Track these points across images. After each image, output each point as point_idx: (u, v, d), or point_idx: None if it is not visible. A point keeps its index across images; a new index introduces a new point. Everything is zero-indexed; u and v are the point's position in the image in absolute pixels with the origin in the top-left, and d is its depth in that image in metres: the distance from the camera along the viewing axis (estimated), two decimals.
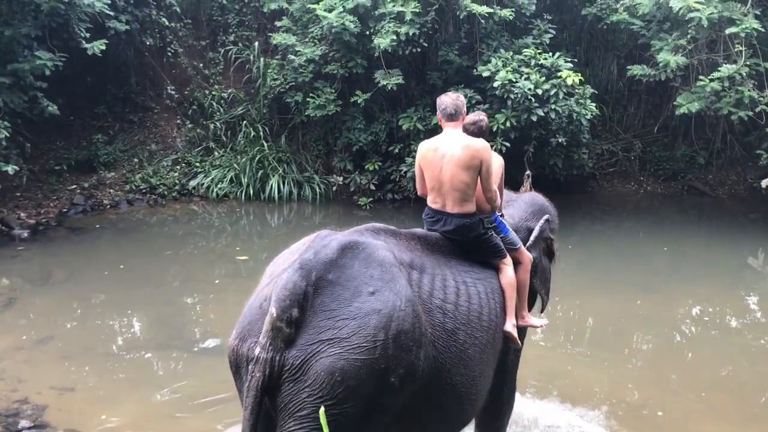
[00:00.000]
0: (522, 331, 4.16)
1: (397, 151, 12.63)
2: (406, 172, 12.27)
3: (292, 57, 12.56)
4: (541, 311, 4.83)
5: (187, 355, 6.61)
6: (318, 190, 12.97)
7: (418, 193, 4.18)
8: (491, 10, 11.49)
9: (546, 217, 4.60)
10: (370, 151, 12.89)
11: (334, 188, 13.11)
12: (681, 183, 14.43)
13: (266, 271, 3.43)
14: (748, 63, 11.46)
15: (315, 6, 12.11)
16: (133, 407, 5.55)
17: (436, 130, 11.92)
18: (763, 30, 11.48)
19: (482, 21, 11.71)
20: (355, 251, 3.21)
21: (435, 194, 3.94)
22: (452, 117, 3.95)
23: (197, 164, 13.12)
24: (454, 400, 3.42)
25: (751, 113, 11.49)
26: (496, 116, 11.35)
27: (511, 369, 4.26)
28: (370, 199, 12.75)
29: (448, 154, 3.84)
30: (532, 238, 4.44)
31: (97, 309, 7.95)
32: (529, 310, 4.33)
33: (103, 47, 10.94)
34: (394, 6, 11.62)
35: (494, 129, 11.12)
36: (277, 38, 12.67)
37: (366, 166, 12.81)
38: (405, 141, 12.60)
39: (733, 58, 11.64)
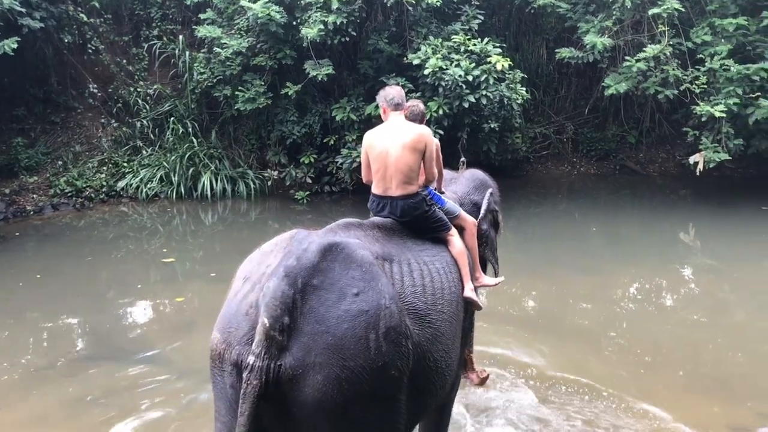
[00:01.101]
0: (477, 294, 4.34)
1: (332, 142, 12.46)
2: (342, 164, 12.11)
3: (219, 50, 12.23)
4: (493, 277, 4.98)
5: (116, 365, 6.33)
6: (253, 186, 12.72)
7: (364, 181, 4.34)
8: None
9: (490, 190, 4.86)
10: (305, 144, 12.68)
11: (270, 183, 12.87)
12: (613, 162, 14.69)
13: (239, 273, 3.44)
14: (671, 43, 11.68)
15: None
16: (61, 424, 5.28)
17: (370, 120, 11.94)
18: (683, 10, 11.72)
19: (410, 8, 11.60)
20: (335, 253, 3.28)
21: (379, 179, 4.11)
22: (398, 106, 4.20)
23: (125, 164, 12.70)
24: (435, 376, 3.59)
25: (676, 92, 11.73)
26: (428, 104, 11.26)
27: (468, 333, 4.44)
28: (307, 192, 12.55)
29: (396, 138, 4.06)
30: (482, 210, 4.71)
31: (16, 320, 7.53)
32: None
33: (15, 45, 10.43)
34: None
35: (427, 117, 11.05)
36: (202, 31, 12.32)
37: (301, 160, 12.61)
38: (340, 132, 12.44)
39: (657, 38, 11.85)
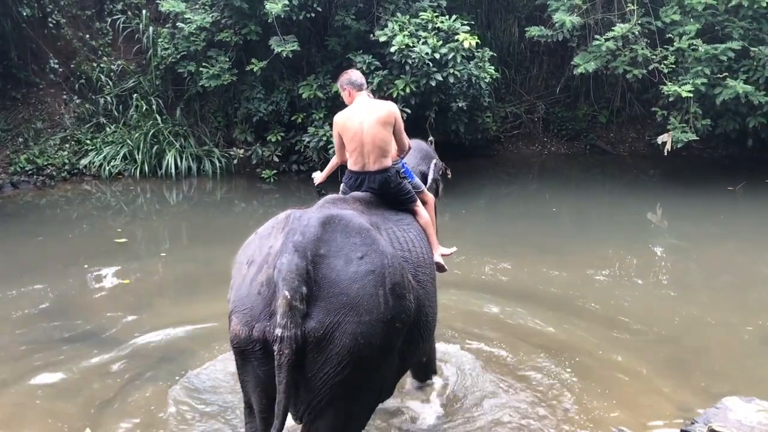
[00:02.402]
0: None
1: (299, 120, 12.28)
2: (309, 142, 11.95)
3: (182, 25, 11.97)
4: None
5: (53, 345, 6.17)
6: (219, 164, 12.53)
7: (338, 162, 4.72)
8: None
9: (434, 160, 5.24)
10: (272, 122, 12.49)
11: (236, 161, 12.69)
12: (584, 142, 14.67)
13: (240, 259, 3.66)
14: (640, 22, 11.63)
15: None
16: (6, 404, 5.14)
17: (337, 97, 11.74)
18: None
19: None
20: (334, 224, 3.57)
21: (356, 156, 4.42)
22: (361, 86, 4.56)
23: (88, 141, 12.45)
24: (427, 329, 4.07)
25: (645, 71, 11.69)
26: (395, 82, 11.14)
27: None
28: (274, 171, 12.39)
29: (368, 116, 4.37)
30: (429, 180, 5.08)
31: None
32: None
33: None
34: None
35: (394, 95, 10.93)
36: (166, 5, 12.05)
37: (268, 137, 12.43)
38: (307, 110, 12.25)
39: (627, 17, 11.77)
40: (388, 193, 4.42)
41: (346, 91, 4.59)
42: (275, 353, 3.25)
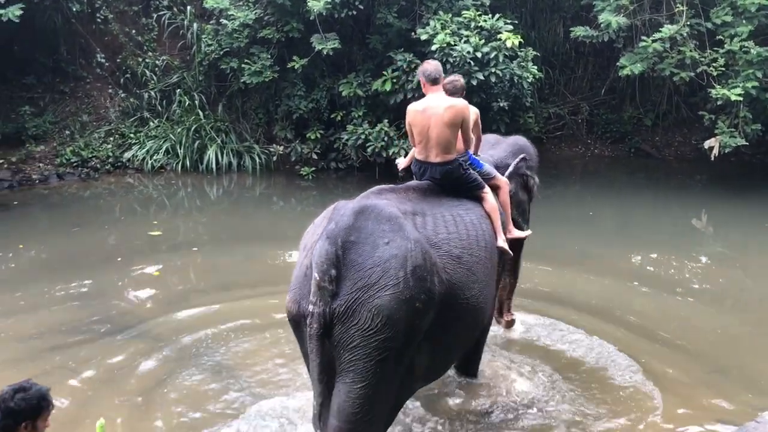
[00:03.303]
0: (519, 244, 5.21)
1: (339, 118, 12.30)
2: (348, 140, 11.95)
3: (226, 22, 12.07)
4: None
5: (104, 341, 6.24)
6: (258, 161, 12.61)
7: (413, 145, 4.89)
8: None
9: (522, 155, 5.37)
10: (312, 119, 12.54)
11: (275, 158, 12.74)
12: (628, 145, 14.37)
13: (300, 245, 4.14)
14: (689, 23, 11.32)
15: None
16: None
17: (377, 96, 11.74)
18: None
19: None
20: (366, 213, 3.93)
21: (422, 148, 4.69)
22: (436, 81, 4.68)
23: (131, 135, 12.66)
24: (469, 311, 4.23)
25: (692, 74, 11.38)
26: None
27: (497, 282, 4.98)
28: (313, 168, 12.43)
29: (435, 114, 4.57)
30: (507, 171, 5.24)
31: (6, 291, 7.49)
32: None
33: (19, 12, 10.35)
34: None
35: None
36: (211, 2, 12.17)
37: (308, 135, 12.47)
38: (347, 108, 12.27)
39: (676, 18, 11.48)
40: (451, 181, 4.68)
41: (423, 83, 4.77)
42: (307, 326, 3.72)
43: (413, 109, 4.72)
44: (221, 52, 12.42)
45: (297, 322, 3.91)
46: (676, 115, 14.36)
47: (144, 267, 8.13)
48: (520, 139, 5.74)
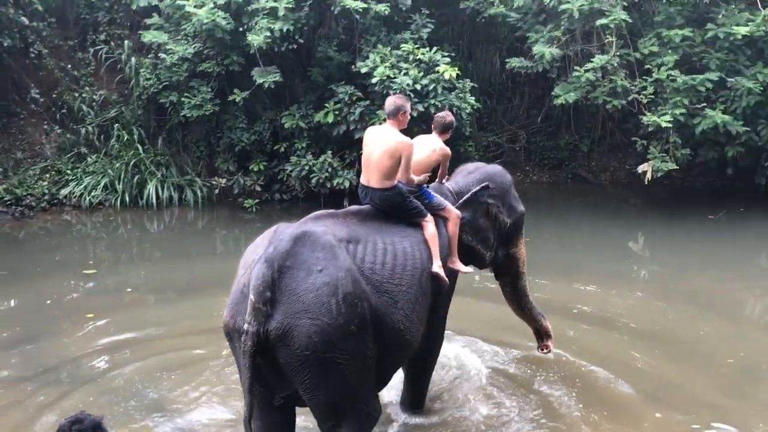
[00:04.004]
0: (454, 275, 5.21)
1: (282, 150, 12.31)
2: (292, 171, 11.96)
3: (165, 56, 11.99)
4: (484, 261, 5.68)
5: (32, 383, 6.05)
6: (200, 194, 12.48)
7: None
8: (366, 5, 11.28)
9: (484, 184, 5.48)
10: (255, 151, 12.50)
11: (217, 191, 12.63)
12: (566, 171, 14.74)
13: (240, 263, 4.37)
14: (619, 53, 11.74)
15: (185, 2, 11.58)
16: None
17: (320, 127, 11.80)
18: (630, 21, 11.77)
19: (358, 17, 11.50)
20: (303, 240, 4.20)
21: (364, 171, 4.97)
22: (390, 115, 4.96)
23: (68, 171, 12.37)
24: (397, 334, 4.49)
25: (624, 102, 11.79)
26: (377, 112, 11.19)
27: (440, 305, 5.15)
28: (257, 200, 12.35)
29: (381, 142, 4.85)
30: (463, 198, 5.36)
31: None
32: (468, 263, 5.40)
33: None
34: (267, 1, 11.23)
35: (376, 125, 10.96)
36: (148, 36, 12.08)
37: (250, 167, 12.42)
38: (290, 140, 12.29)
39: (606, 48, 11.91)
40: (391, 208, 4.90)
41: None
42: (241, 343, 3.99)
43: (369, 132, 5.08)
44: (160, 86, 12.31)
45: (231, 336, 4.20)
46: (610, 141, 14.81)
47: (76, 308, 7.93)
48: (491, 169, 5.88)
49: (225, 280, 8.65)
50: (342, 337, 4.08)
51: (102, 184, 12.15)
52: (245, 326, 3.97)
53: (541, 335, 6.41)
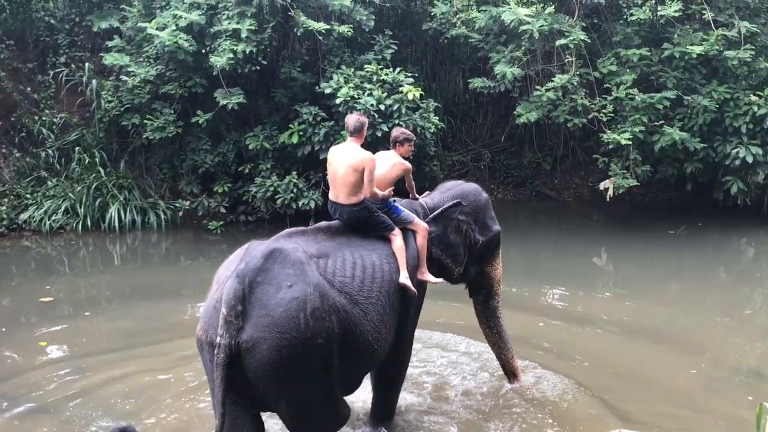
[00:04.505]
0: (423, 287, 5.36)
1: (247, 171, 12.24)
2: (257, 193, 11.90)
3: (126, 78, 11.89)
4: (453, 276, 5.80)
5: None
6: (164, 216, 12.32)
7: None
8: (329, 27, 11.35)
9: (455, 201, 5.65)
10: (219, 173, 12.42)
11: (181, 213, 12.48)
12: (529, 189, 14.90)
13: (214, 278, 4.54)
14: (579, 72, 11.96)
15: (147, 24, 11.53)
16: None
17: (285, 148, 11.78)
18: (589, 41, 12.02)
19: (321, 38, 11.55)
20: (274, 256, 4.36)
21: (332, 187, 5.17)
22: (352, 133, 5.19)
23: (28, 195, 12.11)
24: (366, 345, 4.67)
25: (585, 120, 12.00)
26: (341, 133, 11.21)
27: (408, 315, 5.28)
28: (221, 222, 12.24)
29: (345, 159, 5.06)
30: (432, 215, 5.53)
31: None
32: (439, 276, 5.59)
33: None
34: (229, 23, 11.25)
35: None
36: (109, 59, 11.97)
37: (215, 189, 12.33)
38: (255, 161, 12.24)
39: (566, 68, 12.13)
40: (359, 223, 5.09)
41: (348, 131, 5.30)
42: (214, 355, 4.15)
43: (332, 150, 5.29)
44: (122, 109, 12.19)
45: (203, 349, 4.35)
46: (572, 158, 15.04)
47: (31, 335, 7.72)
48: (467, 187, 5.99)
49: (185, 303, 8.76)
50: (309, 349, 4.25)
51: (63, 208, 11.94)
52: (217, 339, 4.14)
53: (507, 374, 6.32)
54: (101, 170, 12.33)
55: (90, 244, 11.73)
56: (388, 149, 5.71)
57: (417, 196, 5.80)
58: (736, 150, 11.64)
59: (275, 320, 4.18)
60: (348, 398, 4.90)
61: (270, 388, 4.26)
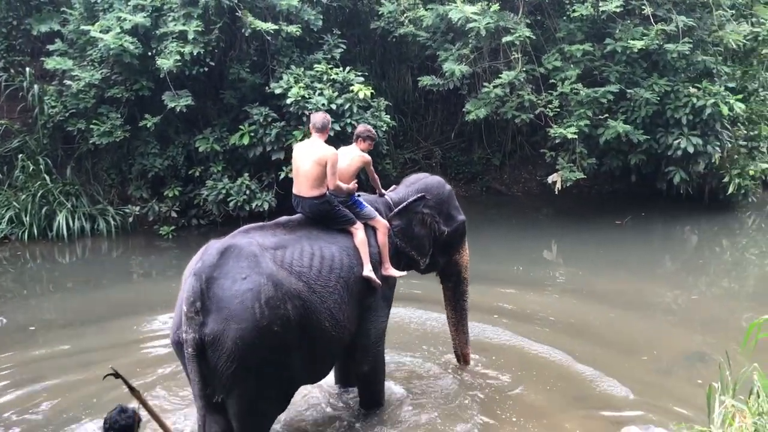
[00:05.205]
0: (389, 281, 5.59)
1: (197, 174, 12.11)
2: (208, 196, 11.77)
3: (70, 82, 11.63)
4: (420, 266, 6.07)
5: None
6: (114, 223, 12.09)
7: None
8: (277, 27, 11.30)
9: (419, 195, 5.88)
10: (169, 177, 12.25)
11: (131, 219, 12.27)
12: (480, 184, 15.11)
13: (182, 280, 4.71)
14: (525, 69, 12.18)
15: (90, 27, 11.29)
16: None
17: (236, 150, 11.69)
18: (534, 37, 12.26)
19: (269, 38, 11.50)
20: (229, 252, 4.61)
21: (296, 182, 5.37)
22: (318, 130, 5.39)
23: None
24: (325, 331, 4.92)
25: (532, 115, 12.23)
26: (293, 133, 11.21)
27: (375, 308, 5.50)
28: (173, 227, 12.09)
29: (309, 153, 5.30)
30: (396, 209, 5.78)
31: None
32: (402, 267, 5.79)
33: None
34: (176, 25, 11.10)
35: (293, 146, 10.96)
36: (51, 63, 11.66)
37: (165, 193, 12.16)
38: (205, 163, 12.11)
39: (512, 65, 12.33)
40: (321, 216, 5.31)
41: (310, 129, 5.50)
42: (184, 350, 4.40)
43: (296, 147, 5.55)
44: (67, 114, 11.91)
45: (177, 348, 4.59)
46: (521, 153, 15.31)
47: None
48: (431, 180, 6.22)
49: (140, 311, 8.54)
50: (266, 338, 4.50)
51: (7, 217, 11.62)
52: (183, 335, 4.39)
53: (458, 356, 6.71)
54: (47, 177, 12.03)
55: (36, 254, 11.42)
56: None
57: (383, 191, 6.07)
58: (677, 141, 12.02)
59: (232, 312, 4.43)
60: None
61: (232, 378, 4.46)
